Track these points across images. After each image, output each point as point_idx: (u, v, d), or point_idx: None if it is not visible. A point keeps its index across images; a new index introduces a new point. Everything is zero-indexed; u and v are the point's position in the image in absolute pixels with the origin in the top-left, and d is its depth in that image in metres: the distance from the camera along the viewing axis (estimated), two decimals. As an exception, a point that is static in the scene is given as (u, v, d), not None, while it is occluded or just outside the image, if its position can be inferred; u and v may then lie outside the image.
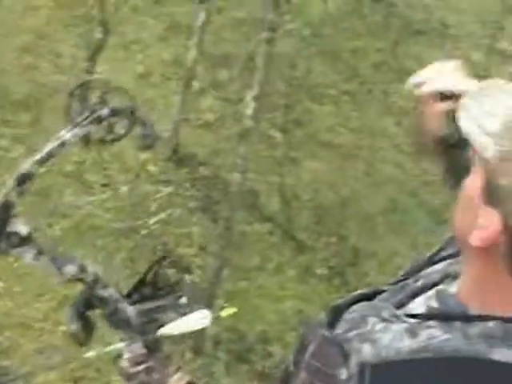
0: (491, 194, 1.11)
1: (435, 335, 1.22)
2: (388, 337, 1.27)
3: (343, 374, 1.27)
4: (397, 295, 1.42)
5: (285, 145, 5.92)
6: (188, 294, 1.58)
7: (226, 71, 6.46)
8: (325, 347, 1.35)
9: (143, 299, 1.57)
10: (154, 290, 1.58)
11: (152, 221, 5.07)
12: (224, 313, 1.66)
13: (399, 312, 1.32)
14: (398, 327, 1.28)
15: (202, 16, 5.12)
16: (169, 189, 5.25)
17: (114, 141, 1.60)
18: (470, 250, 1.19)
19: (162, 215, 5.09)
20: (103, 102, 1.60)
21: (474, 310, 1.22)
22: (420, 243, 5.55)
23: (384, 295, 1.45)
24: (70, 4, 7.02)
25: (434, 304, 1.31)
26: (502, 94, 1.17)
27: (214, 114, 6.17)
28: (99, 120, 1.60)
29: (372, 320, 1.34)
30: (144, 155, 5.54)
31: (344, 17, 8.15)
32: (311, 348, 1.37)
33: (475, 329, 1.18)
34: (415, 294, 1.39)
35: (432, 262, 1.45)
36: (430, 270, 1.43)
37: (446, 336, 1.20)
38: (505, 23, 9.30)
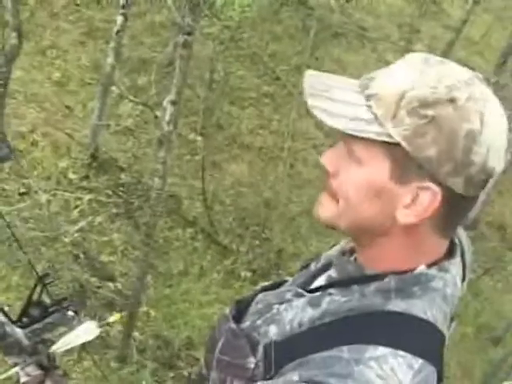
0: (411, 171, 1.13)
1: (335, 300, 1.24)
2: (291, 313, 1.30)
3: (251, 362, 1.28)
4: (300, 279, 1.43)
5: (206, 149, 5.91)
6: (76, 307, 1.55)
7: (145, 76, 6.41)
8: (233, 340, 1.35)
9: (33, 321, 1.52)
10: (42, 309, 1.53)
11: (73, 229, 4.98)
12: (112, 319, 1.65)
13: (299, 290, 1.34)
14: (300, 302, 1.30)
15: (120, 20, 5.06)
16: (89, 196, 5.17)
17: None
18: (378, 230, 1.21)
19: (83, 223, 5.02)
20: None
21: (371, 271, 1.24)
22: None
23: (288, 283, 1.46)
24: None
25: (334, 274, 1.33)
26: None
27: (134, 120, 6.12)
28: None
29: (276, 305, 1.36)
30: (63, 162, 5.45)
31: (262, 21, 8.20)
32: (219, 344, 1.38)
33: (371, 287, 1.21)
34: (317, 274, 1.40)
35: (332, 247, 1.47)
36: (329, 252, 1.45)
37: (344, 299, 1.23)
38: (420, 26, 9.54)
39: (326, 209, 1.24)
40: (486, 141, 1.11)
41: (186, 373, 4.50)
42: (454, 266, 1.26)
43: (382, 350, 1.13)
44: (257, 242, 5.62)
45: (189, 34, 3.32)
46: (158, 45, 7.05)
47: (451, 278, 1.24)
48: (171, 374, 4.48)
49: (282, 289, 1.41)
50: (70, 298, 1.60)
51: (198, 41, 6.79)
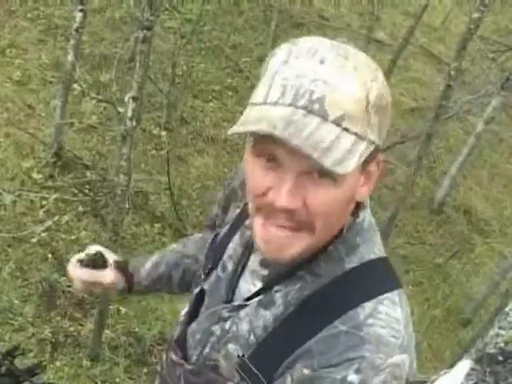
0: (371, 157, 1.15)
1: (288, 292, 1.24)
2: (245, 324, 1.28)
3: None
4: (218, 292, 1.39)
5: (171, 143, 5.89)
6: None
7: (107, 72, 6.36)
8: (196, 380, 1.35)
9: None
10: (12, 378, 1.48)
11: (40, 229, 4.94)
12: None
13: (236, 303, 1.32)
14: (247, 311, 1.29)
15: (79, 17, 5.01)
16: (55, 195, 5.13)
17: None
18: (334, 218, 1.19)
19: (50, 222, 4.98)
20: None
21: (307, 253, 1.22)
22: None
23: (206, 302, 1.42)
24: None
25: (266, 273, 1.30)
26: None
27: (97, 117, 6.08)
28: None
29: (216, 327, 1.34)
30: (27, 162, 5.40)
31: (223, 13, 8.18)
32: None
33: (320, 263, 1.22)
34: (234, 279, 1.37)
35: (223, 246, 1.43)
36: (228, 252, 1.40)
37: (297, 286, 1.24)
38: (381, 14, 9.58)
39: (298, 244, 1.17)
40: None
41: (159, 368, 4.50)
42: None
43: (368, 306, 1.18)
44: (225, 235, 5.62)
45: (148, 28, 3.30)
46: (119, 40, 7.00)
47: (368, 208, 1.29)
48: (144, 370, 4.47)
49: (208, 312, 1.38)
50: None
51: (159, 35, 6.77)
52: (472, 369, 0.65)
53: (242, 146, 6.00)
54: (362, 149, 1.10)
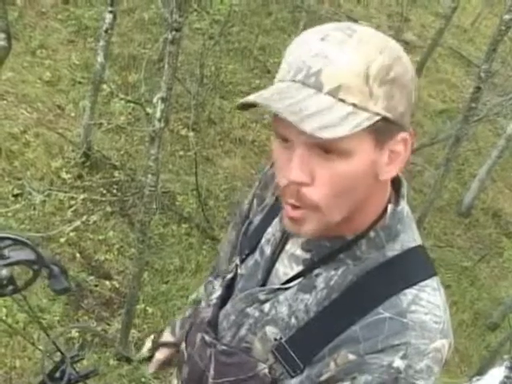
0: (389, 133, 1.15)
1: (330, 276, 1.25)
2: (284, 308, 1.29)
3: (264, 368, 1.29)
4: (255, 276, 1.39)
5: (198, 144, 5.91)
6: None
7: (136, 73, 6.41)
8: (228, 360, 1.35)
9: None
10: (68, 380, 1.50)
11: (68, 228, 4.98)
12: None
13: (274, 286, 1.32)
14: (286, 295, 1.29)
15: (109, 18, 5.05)
16: (83, 195, 5.17)
17: (14, 292, 1.46)
18: (365, 199, 1.20)
19: (78, 222, 5.01)
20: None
21: (351, 235, 1.25)
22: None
23: (241, 285, 1.42)
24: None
25: (306, 256, 1.30)
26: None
27: (126, 117, 6.12)
28: None
29: (252, 309, 1.34)
30: (56, 162, 5.44)
31: (252, 14, 8.19)
32: (211, 371, 1.38)
33: (362, 247, 1.24)
34: (271, 263, 1.37)
35: (261, 231, 1.43)
36: (266, 236, 1.41)
37: (340, 271, 1.25)
38: (410, 15, 9.55)
39: (310, 221, 1.19)
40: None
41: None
42: (404, 186, 1.31)
43: (411, 292, 1.20)
44: (252, 236, 5.63)
45: (177, 30, 3.31)
46: (147, 42, 7.05)
47: (407, 197, 1.30)
48: (170, 371, 4.49)
49: (243, 295, 1.38)
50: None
51: (188, 36, 6.80)
52: (506, 377, 0.64)
53: (270, 147, 6.01)
54: (361, 119, 1.10)
